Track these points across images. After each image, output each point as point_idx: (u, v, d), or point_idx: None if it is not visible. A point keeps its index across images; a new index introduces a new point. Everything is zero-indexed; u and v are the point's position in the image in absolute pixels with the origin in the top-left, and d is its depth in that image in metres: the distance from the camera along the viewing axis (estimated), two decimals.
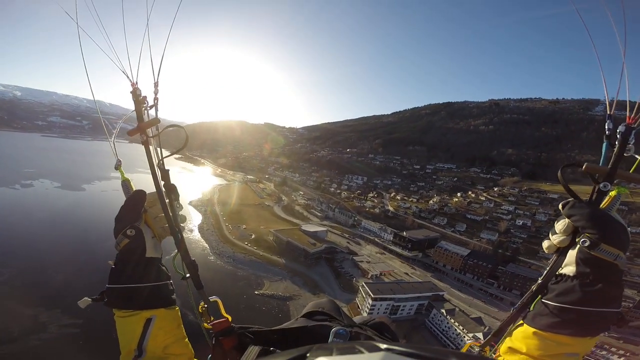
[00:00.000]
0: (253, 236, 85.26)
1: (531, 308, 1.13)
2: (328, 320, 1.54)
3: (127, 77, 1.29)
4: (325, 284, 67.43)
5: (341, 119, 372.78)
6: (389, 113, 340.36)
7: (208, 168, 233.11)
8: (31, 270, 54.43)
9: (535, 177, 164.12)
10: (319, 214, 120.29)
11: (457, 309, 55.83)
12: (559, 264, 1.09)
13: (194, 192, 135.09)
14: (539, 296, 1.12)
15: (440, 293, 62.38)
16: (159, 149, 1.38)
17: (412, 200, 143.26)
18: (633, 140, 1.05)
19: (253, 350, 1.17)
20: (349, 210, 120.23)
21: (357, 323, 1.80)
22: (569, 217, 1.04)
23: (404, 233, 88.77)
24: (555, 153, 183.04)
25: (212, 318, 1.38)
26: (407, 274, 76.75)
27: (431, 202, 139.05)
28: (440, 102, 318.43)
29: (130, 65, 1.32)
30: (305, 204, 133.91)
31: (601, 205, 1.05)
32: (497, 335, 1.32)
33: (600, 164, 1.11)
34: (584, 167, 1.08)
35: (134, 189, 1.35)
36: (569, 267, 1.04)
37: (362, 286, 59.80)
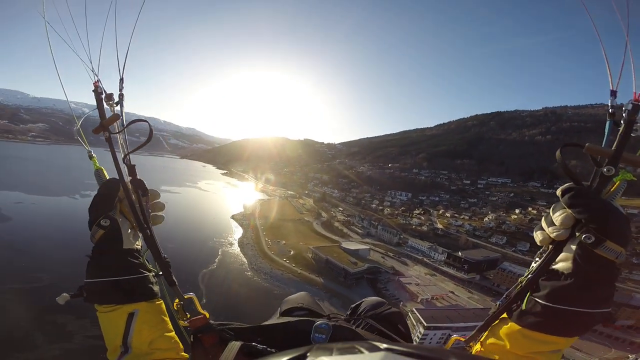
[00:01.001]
0: (292, 252, 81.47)
1: (523, 307, 1.03)
2: (308, 315, 1.49)
3: (92, 72, 1.27)
4: None
5: (380, 134, 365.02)
6: (432, 126, 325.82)
7: (251, 183, 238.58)
8: (73, 277, 55.09)
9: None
10: (359, 231, 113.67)
11: None
12: (552, 258, 1.00)
13: (237, 206, 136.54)
14: (529, 293, 1.04)
15: None
16: (125, 144, 1.34)
17: (463, 218, 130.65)
18: None
19: (234, 346, 1.14)
20: (393, 228, 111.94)
21: (364, 311, 1.85)
22: (570, 207, 0.91)
23: (459, 253, 78.88)
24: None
25: (188, 315, 1.34)
26: (461, 298, 66.98)
27: (486, 219, 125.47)
28: (488, 112, 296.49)
29: (98, 61, 1.30)
30: (344, 220, 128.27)
31: (604, 193, 0.94)
32: (482, 330, 1.25)
33: (603, 146, 1.00)
34: (585, 147, 0.98)
35: (107, 177, 1.28)
36: (563, 264, 0.96)
37: (412, 312, 52.21)
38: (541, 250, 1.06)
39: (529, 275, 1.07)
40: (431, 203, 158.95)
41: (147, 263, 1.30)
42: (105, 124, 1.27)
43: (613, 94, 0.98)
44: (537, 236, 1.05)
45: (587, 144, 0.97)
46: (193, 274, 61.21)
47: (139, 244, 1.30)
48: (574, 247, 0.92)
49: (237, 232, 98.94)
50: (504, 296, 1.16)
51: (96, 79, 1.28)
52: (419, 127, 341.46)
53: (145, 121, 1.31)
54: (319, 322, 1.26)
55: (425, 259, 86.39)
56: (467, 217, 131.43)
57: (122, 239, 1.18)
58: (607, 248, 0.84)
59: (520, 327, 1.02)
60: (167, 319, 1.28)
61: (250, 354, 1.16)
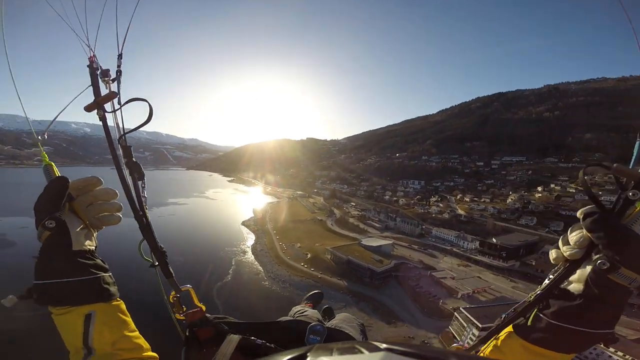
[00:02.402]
0: (309, 255, 74.03)
1: (529, 322, 1.04)
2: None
3: (87, 46, 1.14)
4: (402, 308, 52.89)
5: (383, 125, 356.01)
6: (435, 112, 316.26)
7: (259, 187, 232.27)
8: None
9: (629, 159, 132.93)
10: (377, 225, 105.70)
11: None
12: (564, 277, 0.98)
13: (247, 212, 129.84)
14: (536, 308, 1.04)
15: None
16: (120, 124, 1.21)
17: (484, 201, 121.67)
18: None
19: (233, 339, 1.11)
20: (412, 218, 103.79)
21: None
22: (589, 231, 0.89)
23: (493, 239, 70.58)
24: None
25: (184, 308, 1.27)
26: (505, 288, 58.89)
27: (509, 200, 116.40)
28: (490, 93, 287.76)
29: (88, 35, 1.17)
30: (359, 215, 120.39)
31: (625, 217, 0.89)
32: (484, 342, 1.24)
33: (631, 166, 0.94)
34: (613, 168, 0.91)
35: (57, 175, 1.15)
36: (575, 285, 0.94)
37: (459, 311, 44.45)
38: (555, 268, 1.04)
39: (538, 292, 1.07)
40: (446, 188, 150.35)
41: (142, 254, 1.22)
42: (100, 101, 1.14)
43: None
44: (552, 254, 1.04)
45: (615, 165, 0.91)
46: (207, 288, 54.30)
47: (92, 244, 1.16)
48: (588, 269, 0.90)
49: (250, 238, 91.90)
50: (511, 310, 1.16)
51: (92, 53, 1.14)
52: (421, 115, 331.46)
53: (145, 100, 1.17)
54: (314, 323, 1.23)
55: (454, 249, 78.19)
56: (488, 200, 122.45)
57: (70, 241, 1.07)
58: (621, 274, 0.83)
59: (522, 341, 1.02)
60: (129, 319, 1.18)
61: (246, 349, 1.12)
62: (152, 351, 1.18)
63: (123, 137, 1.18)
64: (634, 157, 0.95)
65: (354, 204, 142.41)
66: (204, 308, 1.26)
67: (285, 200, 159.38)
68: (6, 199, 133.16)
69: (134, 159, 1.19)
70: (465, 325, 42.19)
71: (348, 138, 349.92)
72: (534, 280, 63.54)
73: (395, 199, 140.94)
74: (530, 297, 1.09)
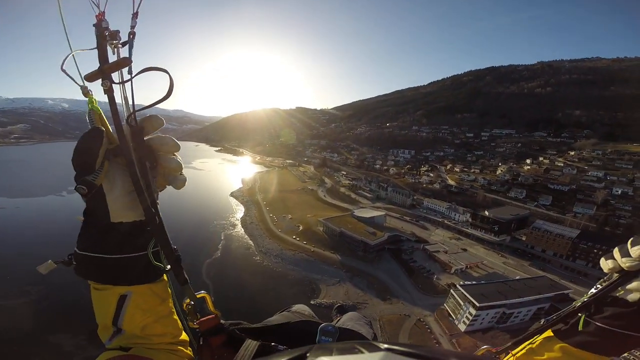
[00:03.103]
0: (301, 227, 71.31)
1: (580, 327, 1.05)
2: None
3: (92, 3, 0.86)
4: (397, 284, 51.54)
5: (373, 95, 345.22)
6: (426, 84, 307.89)
7: (247, 157, 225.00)
8: (64, 288, 45.23)
9: (616, 138, 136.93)
10: (368, 195, 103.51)
11: None
12: (617, 285, 0.99)
13: (236, 182, 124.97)
14: (583, 315, 1.05)
15: (566, 292, 43.78)
16: (129, 99, 0.92)
17: (474, 172, 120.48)
18: None
19: (251, 345, 1.07)
20: (403, 188, 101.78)
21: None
22: None
23: (486, 212, 69.13)
24: (632, 112, 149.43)
25: (198, 316, 1.17)
26: (497, 264, 58.43)
27: (499, 171, 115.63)
28: (482, 67, 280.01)
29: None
30: (350, 185, 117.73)
31: None
32: (518, 344, 1.25)
33: None
34: None
35: (96, 125, 0.90)
36: (633, 294, 0.96)
37: (456, 289, 43.08)
38: (606, 277, 1.06)
39: (585, 299, 1.07)
40: (436, 158, 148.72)
41: (152, 258, 1.00)
42: (107, 69, 0.86)
43: None
44: (607, 264, 1.04)
45: None
46: (196, 266, 51.30)
47: (142, 215, 0.94)
48: None
49: (239, 210, 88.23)
50: (553, 315, 1.16)
51: (99, 11, 0.86)
52: (412, 85, 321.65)
53: (165, 70, 0.89)
54: (325, 324, 1.17)
55: (445, 221, 77.01)
56: (477, 171, 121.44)
57: (107, 211, 0.89)
58: None
59: (563, 344, 1.04)
60: (168, 299, 1.08)
61: (259, 353, 1.08)
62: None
63: (132, 115, 0.92)
64: None
65: (344, 173, 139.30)
66: (219, 314, 1.18)
67: (275, 170, 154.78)
68: None
69: (145, 142, 0.94)
70: (462, 303, 40.88)
71: (338, 107, 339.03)
72: (523, 257, 62.71)
73: (385, 167, 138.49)
74: (576, 304, 1.10)
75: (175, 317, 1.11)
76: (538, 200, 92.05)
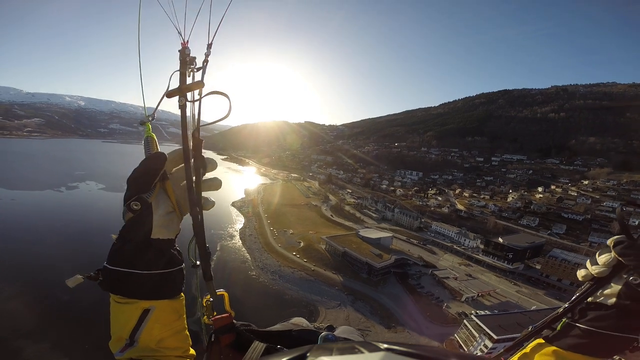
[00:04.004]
0: (302, 244, 68.02)
1: (558, 327, 1.16)
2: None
3: (180, 34, 1.08)
4: (403, 311, 47.55)
5: (383, 114, 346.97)
6: (437, 105, 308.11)
7: (252, 168, 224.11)
8: (37, 285, 42.81)
9: (631, 167, 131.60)
10: (374, 215, 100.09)
11: None
12: (591, 292, 1.11)
13: (238, 192, 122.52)
14: (564, 319, 1.16)
15: None
16: (196, 116, 1.11)
17: (484, 197, 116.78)
18: None
19: (258, 346, 1.11)
20: (411, 210, 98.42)
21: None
22: (621, 256, 1.04)
23: (500, 239, 65.36)
24: None
25: (215, 313, 1.24)
26: (509, 292, 54.15)
27: (510, 199, 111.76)
28: (495, 90, 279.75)
29: (183, 24, 1.09)
30: (355, 204, 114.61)
31: None
32: (510, 351, 1.32)
33: None
34: None
35: (157, 150, 1.08)
36: (609, 298, 1.06)
37: (470, 319, 39.25)
38: (582, 286, 1.16)
39: (567, 305, 1.18)
40: (444, 182, 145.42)
41: (189, 253, 1.15)
42: (184, 89, 1.06)
43: None
44: (580, 273, 1.16)
45: None
46: (186, 278, 47.98)
47: (174, 231, 1.10)
48: (619, 285, 1.04)
49: (239, 221, 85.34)
50: (540, 322, 1.25)
51: (185, 39, 1.08)
52: (423, 106, 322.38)
53: (226, 95, 1.09)
54: (325, 333, 1.21)
55: (455, 246, 73.24)
56: (487, 197, 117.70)
57: (151, 228, 1.00)
58: None
59: (555, 348, 1.12)
60: (183, 315, 1.15)
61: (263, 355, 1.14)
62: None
63: (198, 129, 1.09)
64: None
65: (349, 191, 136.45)
66: (233, 314, 1.24)
67: (279, 183, 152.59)
68: None
69: (202, 154, 1.09)
70: (477, 335, 37.00)
71: (347, 125, 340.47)
72: (538, 285, 59.11)
73: (392, 188, 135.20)
74: (559, 310, 1.19)
75: (187, 332, 1.16)
76: (552, 229, 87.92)
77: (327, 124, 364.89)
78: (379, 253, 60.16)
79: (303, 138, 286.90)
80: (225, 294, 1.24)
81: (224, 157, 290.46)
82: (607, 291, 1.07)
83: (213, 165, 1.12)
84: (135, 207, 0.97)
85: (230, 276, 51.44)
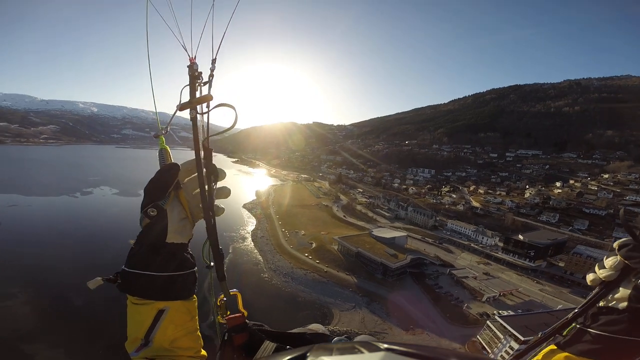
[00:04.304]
0: (314, 245, 66.88)
1: (565, 333, 1.15)
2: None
3: (186, 50, 1.18)
4: (421, 312, 45.80)
5: (392, 113, 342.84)
6: (447, 102, 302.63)
7: (263, 169, 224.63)
8: (53, 287, 42.81)
9: None
10: (386, 214, 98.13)
11: None
12: (601, 296, 1.10)
13: (249, 194, 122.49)
14: (574, 323, 1.14)
15: None
16: (205, 127, 1.20)
17: (500, 194, 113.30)
18: None
19: (269, 346, 1.14)
20: (424, 209, 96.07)
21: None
22: (627, 259, 1.03)
23: (520, 236, 62.64)
24: None
25: (228, 312, 1.28)
26: (532, 291, 51.60)
27: (527, 194, 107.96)
28: (505, 85, 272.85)
29: (189, 40, 1.19)
30: (367, 203, 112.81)
31: None
32: (520, 357, 1.32)
33: None
34: None
35: (171, 161, 1.17)
36: (620, 302, 1.04)
37: (494, 320, 37.35)
38: (593, 291, 1.16)
39: (577, 310, 1.16)
40: (458, 179, 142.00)
41: (203, 255, 1.24)
42: (195, 102, 1.17)
43: None
44: (589, 277, 1.14)
45: None
46: (198, 281, 47.68)
47: (188, 236, 1.19)
48: (628, 290, 1.02)
49: (250, 223, 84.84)
50: (550, 328, 1.23)
51: (192, 56, 1.18)
52: (432, 103, 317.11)
53: (232, 107, 1.21)
54: (336, 337, 1.24)
55: (472, 245, 70.78)
56: (503, 193, 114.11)
57: (166, 232, 1.09)
58: None
59: (567, 354, 1.08)
60: (196, 317, 1.21)
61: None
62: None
63: (207, 139, 1.19)
64: None
65: (361, 191, 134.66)
66: (246, 314, 1.27)
67: (289, 184, 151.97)
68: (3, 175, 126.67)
69: (213, 162, 1.19)
70: (502, 336, 35.07)
71: (355, 124, 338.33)
72: (562, 283, 56.29)
73: (404, 187, 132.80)
74: (569, 316, 1.17)
75: (199, 333, 1.21)
76: (573, 225, 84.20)
77: (335, 124, 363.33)
78: (394, 253, 58.45)
79: (311, 139, 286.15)
80: (239, 294, 1.29)
81: (234, 159, 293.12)
82: (617, 295, 1.05)
83: (222, 175, 1.20)
84: (152, 213, 1.05)
85: (243, 278, 50.66)
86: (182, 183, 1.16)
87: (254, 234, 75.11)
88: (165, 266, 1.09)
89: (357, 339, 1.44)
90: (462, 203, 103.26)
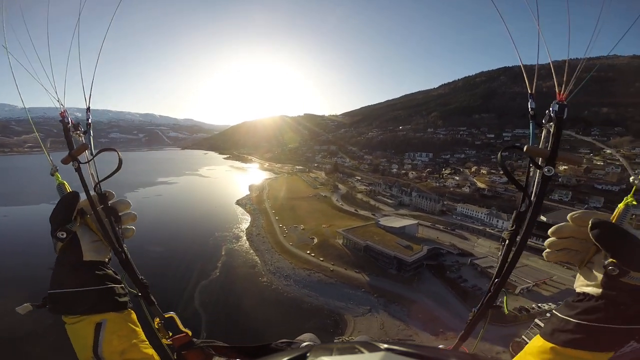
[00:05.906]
0: (315, 240, 59.14)
1: (505, 306, 1.13)
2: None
3: (57, 102, 1.22)
4: (448, 311, 38.64)
5: (382, 100, 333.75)
6: (437, 86, 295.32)
7: (255, 164, 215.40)
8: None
9: None
10: (390, 201, 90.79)
11: None
12: (505, 255, 1.11)
13: (242, 189, 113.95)
14: (553, 310, 1.07)
15: None
16: (94, 174, 1.23)
17: (503, 174, 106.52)
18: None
19: None
20: (428, 193, 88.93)
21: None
22: (597, 241, 0.94)
23: (544, 218, 55.82)
24: None
25: (170, 334, 1.29)
26: (567, 279, 44.95)
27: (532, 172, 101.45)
28: (494, 68, 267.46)
29: (58, 90, 1.24)
30: (367, 190, 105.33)
31: (611, 218, 0.97)
32: (463, 339, 1.26)
33: (540, 146, 1.03)
34: (525, 149, 1.01)
35: (69, 191, 1.20)
36: (593, 288, 0.97)
37: (545, 317, 30.07)
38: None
39: (496, 280, 1.18)
40: (457, 161, 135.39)
41: (126, 286, 1.24)
42: (74, 154, 1.18)
43: (532, 97, 1.06)
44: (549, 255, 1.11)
45: (526, 146, 1.00)
46: (188, 289, 39.99)
47: (105, 255, 1.22)
48: (600, 275, 0.94)
49: (244, 220, 76.54)
50: (480, 303, 1.20)
51: (63, 108, 1.22)
52: (422, 89, 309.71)
53: (114, 150, 1.25)
54: (307, 343, 1.22)
55: (487, 229, 63.91)
56: None
57: (81, 252, 1.12)
58: (631, 277, 0.88)
59: (552, 345, 1.02)
60: (139, 329, 1.19)
61: None
62: None
63: (98, 184, 1.21)
64: (530, 138, 1.03)
65: (359, 178, 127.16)
66: (189, 333, 1.27)
67: (284, 176, 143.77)
68: None
69: (109, 204, 1.21)
70: None
71: (346, 113, 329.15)
72: None
73: (403, 171, 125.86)
74: (490, 288, 1.15)
75: (149, 346, 1.18)
76: (588, 202, 78.16)
77: (326, 114, 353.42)
78: (407, 244, 51.04)
79: (303, 131, 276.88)
80: (175, 316, 1.30)
81: (225, 156, 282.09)
82: (589, 281, 0.99)
83: (126, 205, 1.25)
84: (61, 235, 1.07)
85: (238, 284, 42.80)
86: (86, 211, 1.19)
87: (248, 232, 66.88)
88: (90, 281, 1.10)
89: (357, 339, 1.53)
90: (467, 185, 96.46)
